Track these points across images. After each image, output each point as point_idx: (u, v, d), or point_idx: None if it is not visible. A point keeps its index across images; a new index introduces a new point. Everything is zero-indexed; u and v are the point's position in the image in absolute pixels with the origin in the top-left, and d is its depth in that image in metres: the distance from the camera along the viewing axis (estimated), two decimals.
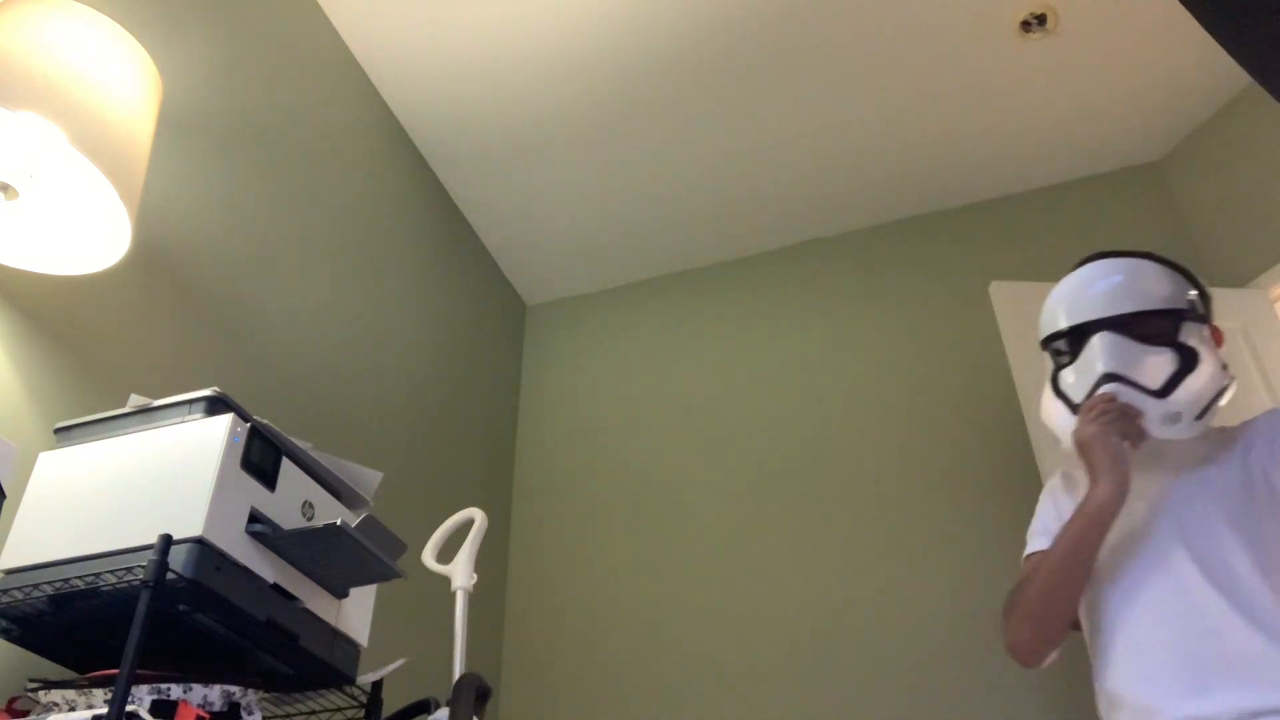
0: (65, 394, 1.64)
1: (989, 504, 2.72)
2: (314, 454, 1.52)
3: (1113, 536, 1.59)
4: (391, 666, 1.62)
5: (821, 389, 3.11)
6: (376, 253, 2.73)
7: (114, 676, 1.18)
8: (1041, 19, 2.70)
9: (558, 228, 3.38)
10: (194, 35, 2.16)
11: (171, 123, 1.98)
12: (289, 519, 1.41)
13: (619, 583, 2.99)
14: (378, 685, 1.58)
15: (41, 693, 1.29)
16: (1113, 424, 1.56)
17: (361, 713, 1.57)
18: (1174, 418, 1.59)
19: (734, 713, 2.67)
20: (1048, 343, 1.77)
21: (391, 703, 1.63)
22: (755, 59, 2.81)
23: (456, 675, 1.79)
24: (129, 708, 1.17)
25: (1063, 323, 1.71)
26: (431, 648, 2.24)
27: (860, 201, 3.30)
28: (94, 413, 1.49)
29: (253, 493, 1.36)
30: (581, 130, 3.02)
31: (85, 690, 1.27)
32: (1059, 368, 1.73)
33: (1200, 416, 1.62)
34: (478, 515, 2.02)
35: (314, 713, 1.62)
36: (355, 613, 1.55)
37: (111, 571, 1.24)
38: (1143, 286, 1.66)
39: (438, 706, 1.64)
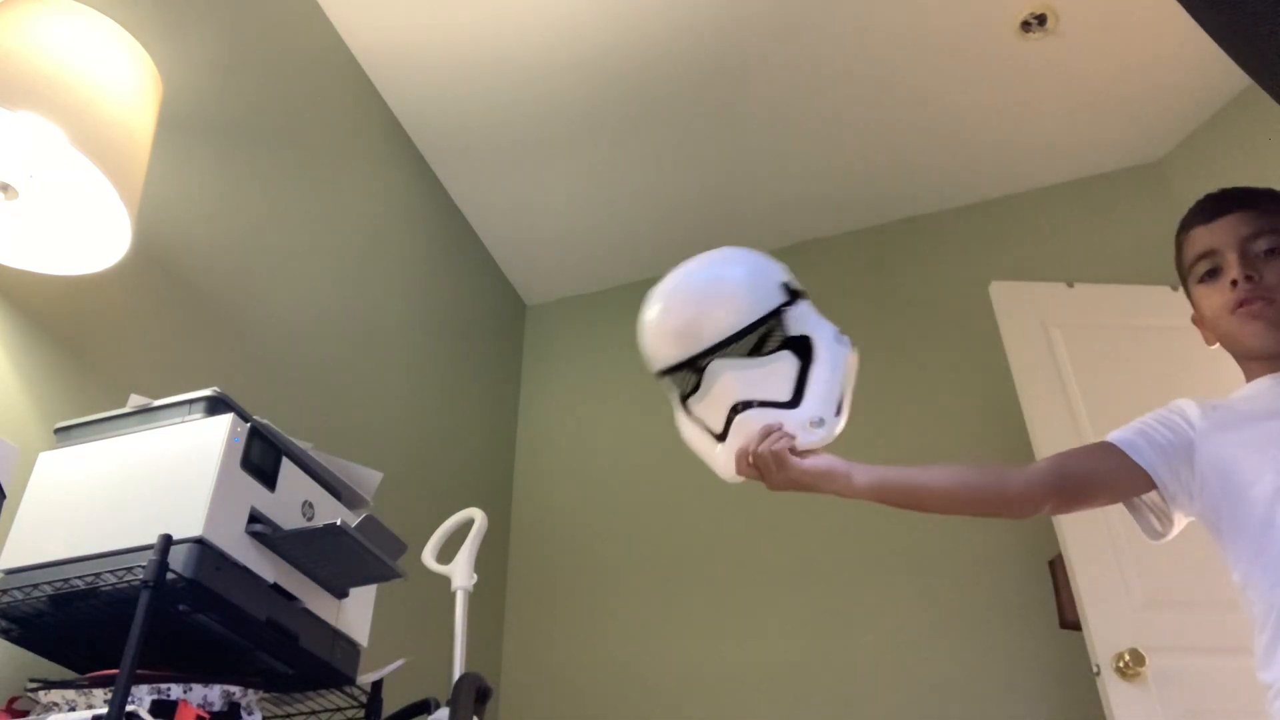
0: (65, 394, 1.64)
1: None
2: (314, 454, 1.51)
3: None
4: (391, 666, 1.62)
5: None
6: (376, 252, 2.73)
7: (114, 676, 1.18)
8: (1041, 19, 2.70)
9: (558, 228, 3.37)
10: (194, 35, 2.16)
11: (171, 123, 1.98)
12: (289, 519, 1.41)
13: (618, 582, 2.99)
14: (378, 685, 1.59)
15: (41, 693, 1.29)
16: (780, 467, 1.41)
17: (361, 713, 1.57)
18: (817, 422, 1.45)
19: (733, 711, 2.67)
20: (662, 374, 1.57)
21: (391, 703, 1.63)
22: (755, 59, 2.81)
23: (456, 675, 1.79)
24: (129, 708, 1.17)
25: (668, 362, 1.53)
26: (431, 648, 2.23)
27: (860, 201, 3.29)
28: (94, 413, 1.49)
29: (253, 493, 1.36)
30: (581, 130, 3.02)
31: (85, 690, 1.27)
32: (684, 395, 1.58)
33: (839, 411, 1.49)
34: (478, 515, 2.02)
35: (314, 713, 1.62)
36: (355, 613, 1.55)
37: (111, 571, 1.24)
38: (737, 303, 1.46)
39: (438, 706, 1.65)
